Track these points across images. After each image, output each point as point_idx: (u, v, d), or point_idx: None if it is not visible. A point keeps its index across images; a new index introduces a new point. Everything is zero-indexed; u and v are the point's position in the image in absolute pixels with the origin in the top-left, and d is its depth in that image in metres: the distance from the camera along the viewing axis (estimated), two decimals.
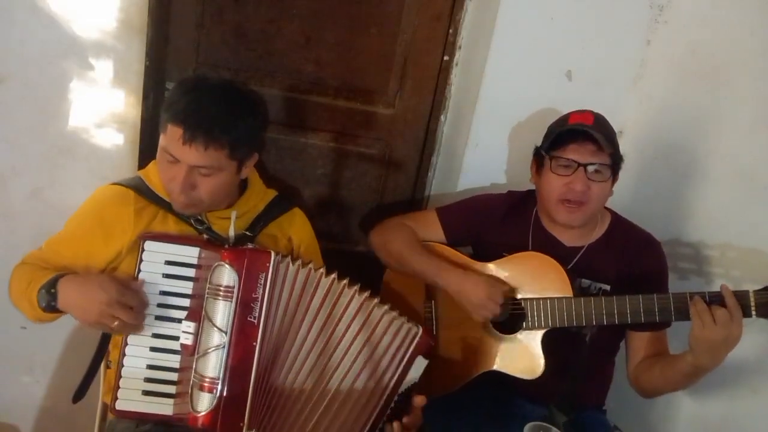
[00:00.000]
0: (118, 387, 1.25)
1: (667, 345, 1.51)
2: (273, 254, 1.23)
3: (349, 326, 1.30)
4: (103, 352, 1.37)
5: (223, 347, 1.19)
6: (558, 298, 1.45)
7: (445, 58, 1.86)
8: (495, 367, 1.50)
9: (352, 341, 1.30)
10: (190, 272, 1.27)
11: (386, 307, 1.34)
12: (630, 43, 1.84)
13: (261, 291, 1.22)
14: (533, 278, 1.50)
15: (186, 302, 1.27)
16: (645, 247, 1.54)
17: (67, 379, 1.42)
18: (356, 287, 1.31)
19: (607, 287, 1.51)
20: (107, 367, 1.40)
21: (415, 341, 1.35)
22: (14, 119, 1.64)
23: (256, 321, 1.21)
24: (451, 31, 1.84)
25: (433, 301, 1.61)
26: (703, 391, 1.64)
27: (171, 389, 1.26)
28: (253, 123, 1.31)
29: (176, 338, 1.23)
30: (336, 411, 1.29)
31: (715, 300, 1.27)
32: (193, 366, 1.20)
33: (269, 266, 1.22)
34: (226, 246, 1.33)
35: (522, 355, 1.48)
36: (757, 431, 1.58)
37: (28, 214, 1.71)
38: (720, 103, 1.70)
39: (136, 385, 1.25)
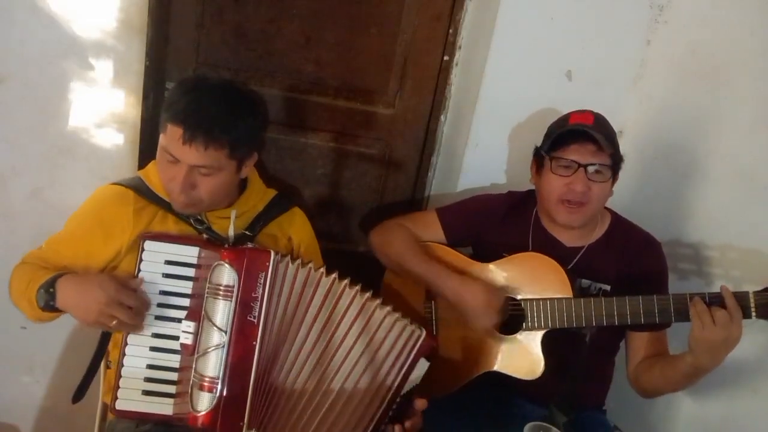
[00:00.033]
0: (118, 387, 1.25)
1: (667, 345, 1.51)
2: (273, 254, 1.23)
3: (350, 327, 1.30)
4: (102, 352, 1.37)
5: (223, 347, 1.19)
6: (558, 298, 1.45)
7: (445, 58, 1.86)
8: (495, 368, 1.50)
9: (354, 342, 1.30)
10: (190, 272, 1.27)
11: (388, 308, 1.33)
12: (630, 43, 1.84)
13: (261, 290, 1.22)
14: (533, 279, 1.50)
15: (186, 302, 1.27)
16: (645, 248, 1.54)
17: (67, 379, 1.42)
18: (357, 287, 1.31)
19: (607, 287, 1.51)
20: (107, 367, 1.40)
21: (419, 343, 1.34)
22: (14, 119, 1.64)
23: (255, 320, 1.21)
24: (451, 31, 1.84)
25: (433, 302, 1.61)
26: (703, 392, 1.64)
27: (171, 389, 1.26)
28: (253, 123, 1.31)
29: (176, 338, 1.23)
30: (337, 412, 1.29)
31: (715, 301, 1.27)
32: (193, 366, 1.20)
33: (269, 265, 1.22)
34: (226, 245, 1.33)
35: (522, 356, 1.48)
36: (757, 431, 1.58)
37: (28, 214, 1.71)
38: (720, 103, 1.69)
39: (136, 384, 1.25)
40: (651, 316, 1.37)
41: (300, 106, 1.85)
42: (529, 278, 1.50)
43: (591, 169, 1.43)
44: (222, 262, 1.20)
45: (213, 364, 1.19)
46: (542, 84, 1.83)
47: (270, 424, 1.25)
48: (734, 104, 1.66)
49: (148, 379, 1.26)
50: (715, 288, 1.33)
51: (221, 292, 1.20)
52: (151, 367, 1.26)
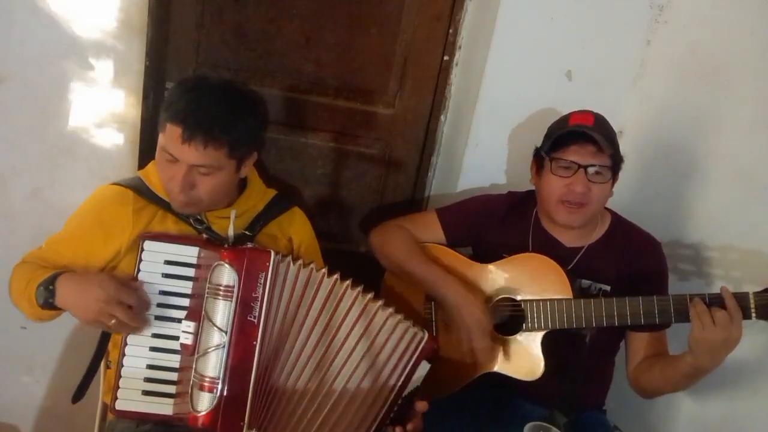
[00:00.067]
0: (118, 387, 1.25)
1: (666, 345, 1.51)
2: (273, 254, 1.23)
3: (351, 328, 1.30)
4: (102, 352, 1.37)
5: (223, 347, 1.19)
6: (558, 299, 1.45)
7: (445, 58, 1.86)
8: (495, 369, 1.50)
9: (355, 344, 1.30)
10: (190, 272, 1.27)
11: (390, 309, 1.33)
12: (630, 43, 1.84)
13: (261, 290, 1.21)
14: (533, 280, 1.50)
15: (186, 302, 1.27)
16: (645, 248, 1.54)
17: (67, 379, 1.42)
18: (359, 289, 1.31)
19: (607, 288, 1.51)
20: (107, 367, 1.40)
21: (421, 346, 1.34)
22: (14, 119, 1.64)
23: (256, 320, 1.21)
24: (451, 31, 1.84)
25: (433, 303, 1.61)
26: (703, 392, 1.64)
27: (171, 389, 1.26)
28: (253, 122, 1.31)
29: (176, 338, 1.23)
30: (338, 413, 1.29)
31: (715, 302, 1.27)
32: (193, 366, 1.20)
33: (269, 266, 1.22)
34: (226, 245, 1.33)
35: (522, 357, 1.48)
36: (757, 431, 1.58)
37: (28, 214, 1.71)
38: (720, 103, 1.69)
39: (136, 384, 1.25)
40: (651, 316, 1.37)
41: (300, 106, 1.85)
42: (528, 279, 1.50)
43: (591, 170, 1.43)
44: (222, 262, 1.20)
45: (213, 364, 1.19)
46: (542, 84, 1.83)
47: (271, 425, 1.25)
48: (734, 104, 1.66)
49: (148, 379, 1.26)
50: (715, 289, 1.33)
51: (221, 292, 1.20)
52: (151, 367, 1.26)
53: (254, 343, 1.21)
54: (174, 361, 1.26)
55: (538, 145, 1.54)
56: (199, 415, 1.18)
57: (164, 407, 1.25)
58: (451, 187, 1.91)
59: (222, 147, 1.25)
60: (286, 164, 1.88)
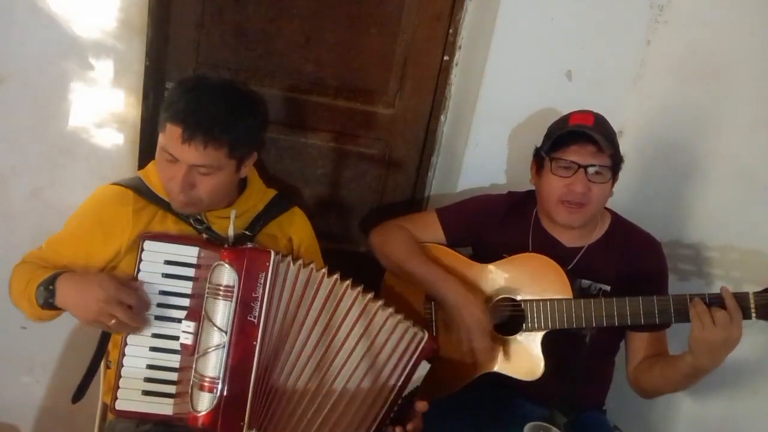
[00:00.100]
0: (118, 387, 1.25)
1: (666, 345, 1.51)
2: (273, 253, 1.23)
3: (351, 329, 1.30)
4: (102, 352, 1.37)
5: (223, 347, 1.19)
6: (558, 299, 1.45)
7: (445, 58, 1.86)
8: (495, 369, 1.50)
9: (355, 344, 1.30)
10: (190, 272, 1.27)
11: (390, 310, 1.33)
12: (630, 43, 1.84)
13: (261, 290, 1.21)
14: (533, 280, 1.50)
15: (186, 302, 1.27)
16: (645, 248, 1.54)
17: (67, 379, 1.42)
18: (359, 289, 1.31)
19: (607, 288, 1.51)
20: (107, 367, 1.40)
21: (421, 346, 1.34)
22: (14, 119, 1.64)
23: (256, 320, 1.21)
24: (451, 31, 1.84)
25: (433, 303, 1.61)
26: (703, 392, 1.64)
27: (171, 389, 1.26)
28: (253, 122, 1.31)
29: (176, 338, 1.23)
30: (339, 413, 1.29)
31: (715, 302, 1.27)
32: (193, 366, 1.20)
33: (269, 266, 1.22)
34: (226, 245, 1.33)
35: (522, 357, 1.48)
36: None
37: (28, 214, 1.71)
38: (720, 103, 1.69)
39: (136, 384, 1.25)
40: (651, 316, 1.37)
41: (300, 106, 1.85)
42: (528, 279, 1.50)
43: (591, 170, 1.43)
44: (222, 262, 1.20)
45: (213, 364, 1.19)
46: (542, 84, 1.83)
47: (271, 425, 1.25)
48: (734, 104, 1.66)
49: (148, 379, 1.26)
50: (715, 289, 1.33)
51: (221, 292, 1.20)
52: (151, 367, 1.26)
53: (254, 343, 1.20)
54: (174, 361, 1.26)
55: (538, 145, 1.54)
56: (199, 415, 1.18)
57: (164, 407, 1.25)
58: (451, 187, 1.91)
59: (222, 147, 1.25)
60: (286, 164, 1.88)
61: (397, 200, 1.99)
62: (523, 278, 1.51)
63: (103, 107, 1.68)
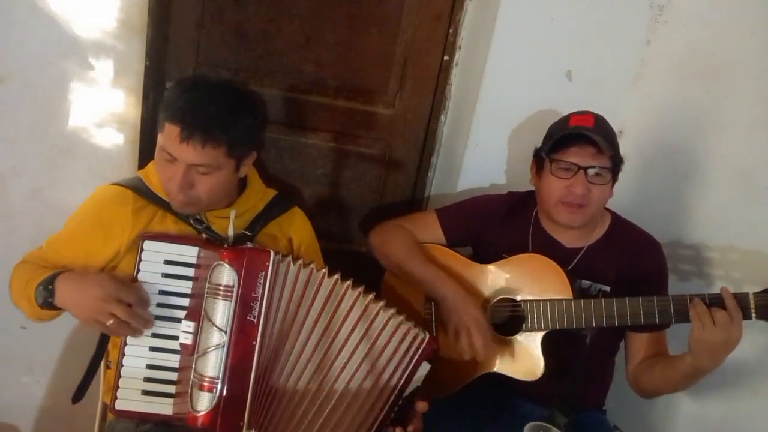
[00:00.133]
0: (118, 387, 1.25)
1: (666, 345, 1.51)
2: (273, 253, 1.23)
3: (352, 329, 1.30)
4: (102, 353, 1.37)
5: (223, 346, 1.19)
6: (558, 300, 1.45)
7: (445, 58, 1.86)
8: (495, 369, 1.50)
9: (356, 345, 1.30)
10: (189, 272, 1.27)
11: (392, 311, 1.33)
12: (630, 43, 1.84)
13: (261, 290, 1.21)
14: (533, 280, 1.50)
15: (185, 302, 1.27)
16: (645, 248, 1.54)
17: (67, 379, 1.42)
18: (360, 289, 1.31)
19: (607, 288, 1.51)
20: (107, 367, 1.40)
21: (422, 347, 1.34)
22: (14, 119, 1.64)
23: (255, 320, 1.21)
24: (451, 31, 1.84)
25: (433, 303, 1.61)
26: (703, 392, 1.64)
27: (171, 389, 1.26)
28: (252, 122, 1.32)
29: (176, 338, 1.23)
30: (339, 414, 1.29)
31: (715, 302, 1.27)
32: (193, 365, 1.20)
33: (269, 265, 1.22)
34: (226, 245, 1.33)
35: (522, 357, 1.48)
36: None
37: (28, 214, 1.71)
38: (720, 103, 1.69)
39: (136, 384, 1.25)
40: (651, 317, 1.37)
41: (300, 106, 1.85)
42: (528, 279, 1.50)
43: (591, 171, 1.43)
44: (221, 262, 1.20)
45: (213, 364, 1.19)
46: (542, 84, 1.83)
47: (271, 425, 1.25)
48: (734, 104, 1.66)
49: (148, 379, 1.26)
50: (716, 289, 1.33)
51: (221, 292, 1.20)
52: (150, 367, 1.26)
53: (254, 343, 1.20)
54: (174, 361, 1.26)
55: (538, 145, 1.54)
56: (199, 414, 1.18)
57: (164, 407, 1.25)
58: (451, 187, 1.91)
59: (220, 146, 1.25)
60: (286, 164, 1.88)
61: (397, 200, 1.99)
62: (523, 278, 1.51)
63: (103, 107, 1.68)
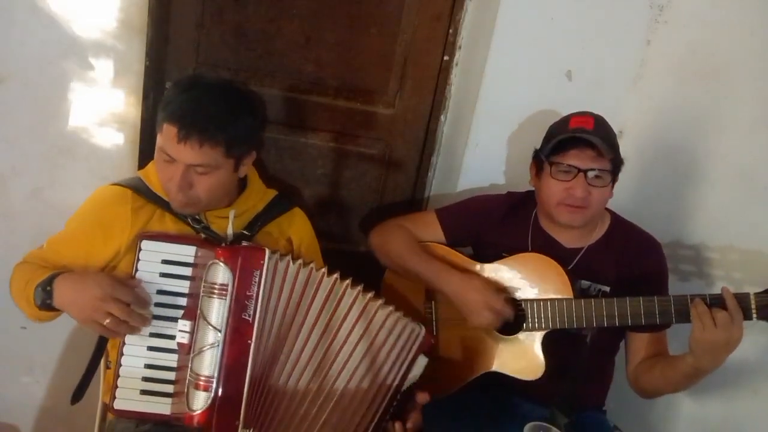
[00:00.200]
0: (116, 386, 1.25)
1: (666, 345, 1.51)
2: (268, 251, 1.23)
3: (352, 328, 1.30)
4: (101, 353, 1.37)
5: (218, 345, 1.19)
6: (558, 299, 1.45)
7: (445, 58, 1.86)
8: (495, 368, 1.50)
9: (356, 344, 1.30)
10: (187, 271, 1.27)
11: (390, 308, 1.34)
12: (630, 43, 1.83)
13: (255, 289, 1.21)
14: (533, 279, 1.50)
15: (183, 301, 1.27)
16: (645, 249, 1.54)
17: (67, 379, 1.42)
18: (359, 288, 1.31)
19: (607, 289, 1.51)
20: (107, 367, 1.40)
21: (418, 341, 1.36)
22: (14, 119, 1.64)
23: (250, 319, 1.21)
24: (451, 31, 1.84)
25: (433, 302, 1.61)
26: (703, 392, 1.64)
27: (169, 388, 1.26)
28: (250, 121, 1.31)
29: (173, 337, 1.23)
30: (338, 411, 1.29)
31: (716, 302, 1.27)
32: (189, 365, 1.20)
33: (263, 264, 1.22)
34: (223, 244, 1.33)
35: (522, 356, 1.48)
36: None
37: (28, 214, 1.71)
38: (720, 103, 1.69)
39: (135, 384, 1.25)
40: (651, 317, 1.37)
41: (300, 106, 1.85)
42: (529, 279, 1.50)
43: (591, 174, 1.43)
44: (217, 261, 1.20)
45: (208, 363, 1.19)
46: (542, 84, 1.83)
47: (270, 425, 1.25)
48: (734, 104, 1.66)
49: (146, 379, 1.26)
50: (716, 289, 1.32)
51: (216, 291, 1.20)
52: (149, 366, 1.26)
53: (249, 341, 1.20)
54: (172, 360, 1.26)
55: (538, 145, 1.54)
56: (195, 414, 1.18)
57: (162, 407, 1.25)
58: (451, 187, 1.91)
59: (218, 146, 1.25)
60: (286, 164, 1.88)
61: (397, 200, 1.99)
62: (523, 278, 1.51)
63: (103, 107, 1.68)
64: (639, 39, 1.84)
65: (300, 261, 1.27)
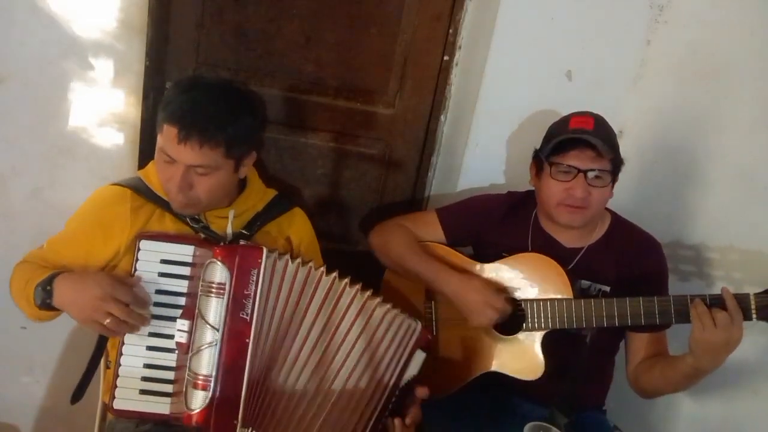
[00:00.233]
0: (116, 386, 1.25)
1: (666, 345, 1.51)
2: (265, 250, 1.23)
3: (350, 327, 1.30)
4: (101, 353, 1.37)
5: (216, 344, 1.19)
6: (558, 299, 1.45)
7: (445, 58, 1.86)
8: (495, 368, 1.50)
9: (354, 342, 1.31)
10: (186, 271, 1.27)
11: (388, 305, 1.34)
12: (630, 43, 1.83)
13: (253, 288, 1.21)
14: (533, 279, 1.50)
15: (182, 300, 1.27)
16: (645, 249, 1.53)
17: (67, 379, 1.42)
18: (358, 287, 1.31)
19: (607, 289, 1.51)
20: (107, 366, 1.40)
21: (415, 336, 1.37)
22: (14, 119, 1.65)
23: (248, 318, 1.21)
24: (451, 31, 1.83)
25: (433, 302, 1.61)
26: (703, 392, 1.65)
27: (168, 388, 1.26)
28: (251, 122, 1.31)
29: (173, 337, 1.23)
30: (337, 409, 1.29)
31: (716, 303, 1.27)
32: (188, 364, 1.20)
33: (261, 262, 1.22)
34: (222, 244, 1.33)
35: (522, 356, 1.48)
36: None
37: (28, 214, 1.71)
38: (720, 103, 1.69)
39: (134, 384, 1.25)
40: (651, 317, 1.37)
41: (300, 106, 1.84)
42: (529, 279, 1.50)
43: (591, 174, 1.43)
44: (214, 260, 1.20)
45: (206, 362, 1.19)
46: (542, 84, 1.82)
47: (270, 424, 1.25)
48: (734, 104, 1.66)
49: (146, 379, 1.26)
50: (716, 289, 1.32)
51: (214, 290, 1.20)
52: (148, 366, 1.26)
53: (247, 340, 1.20)
54: (171, 360, 1.26)
55: (538, 145, 1.54)
56: (193, 413, 1.18)
57: (161, 406, 1.26)
58: (451, 187, 1.91)
59: (218, 146, 1.25)
60: (286, 164, 1.88)
61: (397, 200, 1.99)
62: (523, 278, 1.51)
63: (103, 107, 1.68)
64: (639, 39, 1.83)
65: (299, 260, 1.27)
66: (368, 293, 1.32)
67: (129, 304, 1.21)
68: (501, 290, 1.50)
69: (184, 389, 1.20)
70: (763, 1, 1.62)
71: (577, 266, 1.52)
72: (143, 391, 1.25)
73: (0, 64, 1.60)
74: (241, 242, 1.32)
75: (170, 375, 1.26)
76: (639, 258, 1.51)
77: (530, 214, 1.60)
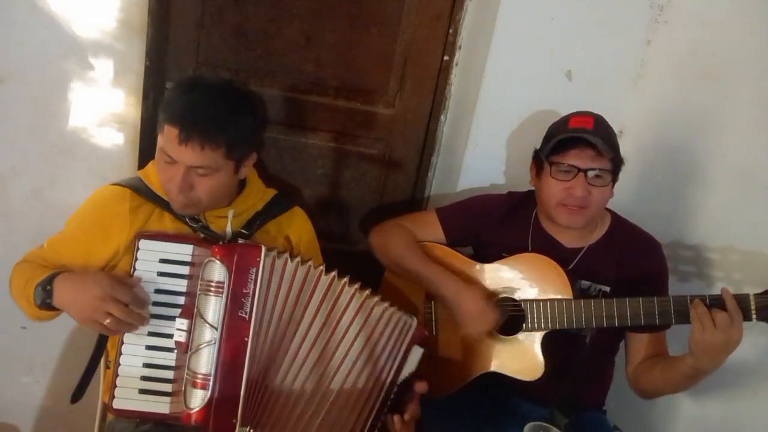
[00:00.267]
0: (115, 386, 1.25)
1: (666, 346, 1.51)
2: (264, 249, 1.23)
3: (349, 325, 1.31)
4: (100, 353, 1.37)
5: (214, 343, 1.19)
6: (558, 300, 1.45)
7: (445, 58, 1.86)
8: (495, 369, 1.50)
9: (353, 340, 1.31)
10: (185, 270, 1.27)
11: (386, 304, 1.35)
12: (630, 43, 1.83)
13: (252, 286, 1.21)
14: (533, 279, 1.50)
15: (181, 300, 1.27)
16: (645, 249, 1.53)
17: (67, 379, 1.42)
18: (356, 285, 1.32)
19: (607, 289, 1.51)
20: (106, 366, 1.40)
21: (411, 332, 1.37)
22: (14, 119, 1.65)
23: (247, 316, 1.21)
24: (451, 31, 1.84)
25: (433, 302, 1.61)
26: (703, 392, 1.64)
27: (167, 387, 1.26)
28: (251, 123, 1.31)
29: (172, 336, 1.23)
30: (337, 408, 1.30)
31: (716, 303, 1.27)
32: (187, 363, 1.20)
33: (259, 261, 1.22)
34: (221, 243, 1.33)
35: (522, 357, 1.48)
36: None
37: (28, 214, 1.71)
38: (720, 103, 1.69)
39: (133, 383, 1.25)
40: (651, 317, 1.37)
41: (300, 106, 1.85)
42: (529, 279, 1.50)
43: (591, 173, 1.43)
44: (213, 259, 1.20)
45: (205, 361, 1.19)
46: (542, 84, 1.82)
47: (269, 423, 1.25)
48: (734, 104, 1.66)
49: (145, 378, 1.26)
50: (716, 290, 1.32)
51: (212, 289, 1.20)
52: (147, 365, 1.26)
53: (245, 339, 1.20)
54: (170, 359, 1.26)
55: (538, 145, 1.54)
56: (192, 412, 1.18)
57: (161, 406, 1.26)
58: (451, 187, 1.91)
59: (219, 147, 1.25)
60: (286, 164, 1.88)
61: (397, 200, 1.99)
62: (523, 278, 1.51)
63: (103, 107, 1.68)
64: (639, 39, 1.83)
65: (298, 258, 1.28)
66: (367, 292, 1.33)
67: (128, 304, 1.21)
68: (497, 293, 1.49)
69: (183, 388, 1.20)
70: (763, 1, 1.62)
71: (578, 266, 1.52)
72: (143, 391, 1.25)
73: (0, 64, 1.60)
74: (240, 241, 1.32)
75: (170, 374, 1.26)
76: (639, 258, 1.51)
77: (530, 215, 1.60)
